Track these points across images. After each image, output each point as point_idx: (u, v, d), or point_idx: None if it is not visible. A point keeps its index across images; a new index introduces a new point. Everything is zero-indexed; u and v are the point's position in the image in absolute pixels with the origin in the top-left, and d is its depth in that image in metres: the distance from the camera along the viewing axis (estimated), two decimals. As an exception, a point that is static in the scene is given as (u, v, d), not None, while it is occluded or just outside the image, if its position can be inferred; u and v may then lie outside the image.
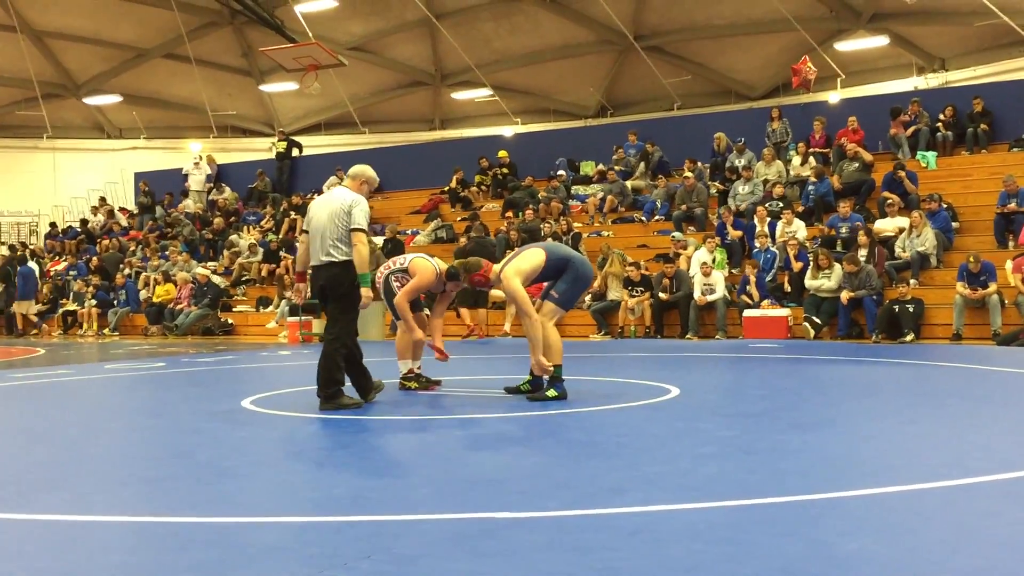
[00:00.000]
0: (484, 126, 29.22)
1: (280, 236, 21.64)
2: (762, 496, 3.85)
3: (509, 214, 19.76)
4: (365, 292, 6.80)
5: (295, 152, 26.14)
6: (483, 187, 22.17)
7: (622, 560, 3.03)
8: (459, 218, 20.62)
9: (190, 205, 25.46)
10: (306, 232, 7.13)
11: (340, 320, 6.95)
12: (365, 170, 7.24)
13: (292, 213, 22.61)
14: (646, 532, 3.36)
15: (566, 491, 4.07)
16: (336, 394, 6.87)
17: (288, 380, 9.46)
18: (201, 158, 26.41)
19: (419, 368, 8.14)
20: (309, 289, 7.53)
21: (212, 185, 26.01)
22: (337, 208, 6.87)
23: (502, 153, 22.13)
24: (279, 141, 26.56)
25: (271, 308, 18.98)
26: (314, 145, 28.80)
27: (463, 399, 7.46)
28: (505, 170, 21.87)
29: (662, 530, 3.40)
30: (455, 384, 8.34)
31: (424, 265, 7.97)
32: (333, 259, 6.84)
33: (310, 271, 7.16)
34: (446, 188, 22.29)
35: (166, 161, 28.47)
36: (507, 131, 26.37)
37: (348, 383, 7.08)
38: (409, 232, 20.52)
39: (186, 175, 26.29)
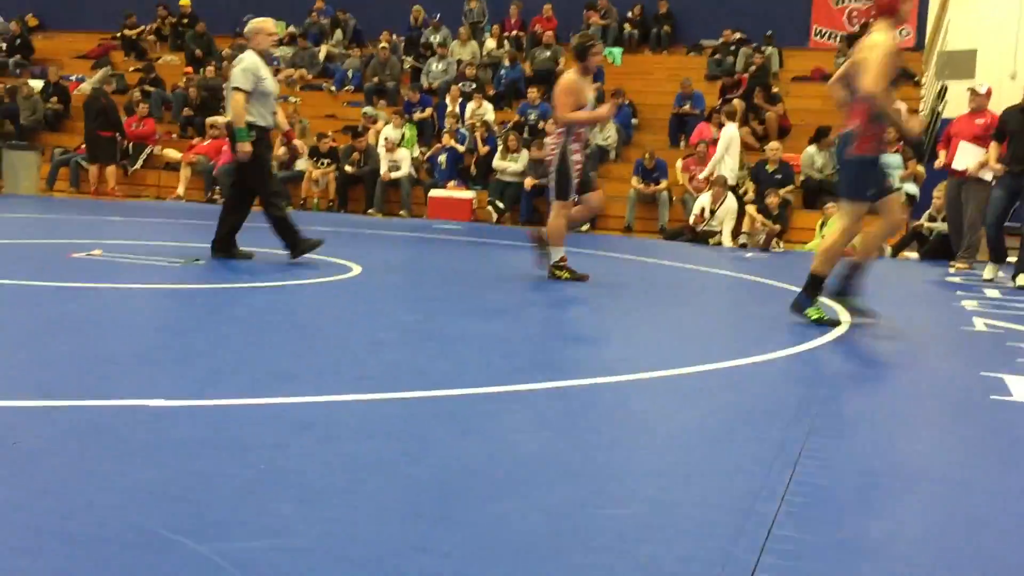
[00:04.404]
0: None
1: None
2: (442, 387, 3.64)
3: (189, 69, 18.36)
4: (241, 146, 7.00)
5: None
6: (161, 37, 20.40)
7: (290, 458, 2.70)
8: (132, 68, 18.89)
9: None
10: None
11: (253, 183, 7.22)
12: (251, 24, 7.36)
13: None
14: (318, 426, 3.05)
15: (231, 377, 3.67)
16: (299, 241, 7.21)
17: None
18: None
19: (565, 260, 7.26)
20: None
21: None
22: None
23: (184, 1, 20.36)
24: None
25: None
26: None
27: (127, 267, 6.73)
28: (186, 20, 20.17)
29: (335, 423, 3.11)
30: (122, 249, 7.54)
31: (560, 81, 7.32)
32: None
33: None
34: (118, 34, 20.28)
35: None
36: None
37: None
38: (74, 78, 18.47)
39: None
